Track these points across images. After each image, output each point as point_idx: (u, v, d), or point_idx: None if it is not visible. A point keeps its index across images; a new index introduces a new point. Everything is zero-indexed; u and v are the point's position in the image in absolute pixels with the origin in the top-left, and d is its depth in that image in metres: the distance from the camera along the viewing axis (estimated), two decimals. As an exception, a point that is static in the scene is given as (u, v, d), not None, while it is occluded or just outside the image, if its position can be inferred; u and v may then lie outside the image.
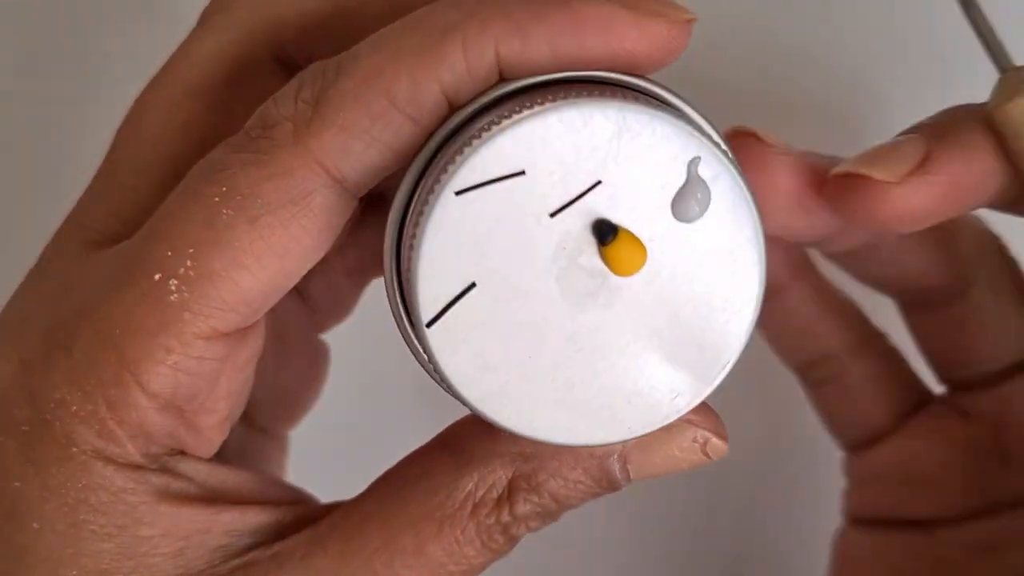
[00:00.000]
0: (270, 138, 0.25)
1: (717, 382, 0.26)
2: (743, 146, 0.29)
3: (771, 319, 0.36)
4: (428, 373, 0.26)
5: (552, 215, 0.24)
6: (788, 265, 0.35)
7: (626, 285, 0.25)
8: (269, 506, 0.28)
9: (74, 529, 0.26)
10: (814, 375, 0.37)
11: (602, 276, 0.25)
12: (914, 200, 0.27)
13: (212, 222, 0.25)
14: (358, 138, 0.25)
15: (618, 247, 0.24)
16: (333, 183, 0.25)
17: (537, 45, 0.24)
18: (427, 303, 0.24)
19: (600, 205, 0.24)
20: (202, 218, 0.25)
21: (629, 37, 0.25)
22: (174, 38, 0.29)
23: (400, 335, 0.26)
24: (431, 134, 0.25)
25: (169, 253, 0.25)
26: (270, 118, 0.25)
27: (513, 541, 0.28)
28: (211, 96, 0.28)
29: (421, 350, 0.25)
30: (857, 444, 0.37)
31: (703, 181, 0.24)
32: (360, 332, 0.37)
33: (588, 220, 0.24)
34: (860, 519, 0.38)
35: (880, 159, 0.27)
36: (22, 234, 0.30)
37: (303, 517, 0.28)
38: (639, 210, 0.24)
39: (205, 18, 0.29)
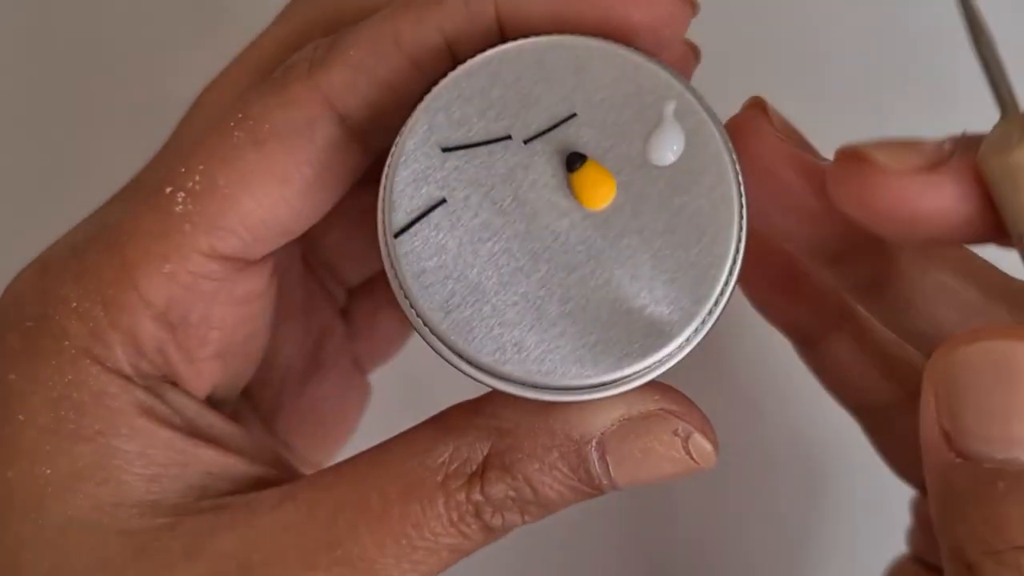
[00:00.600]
0: (287, 75, 0.27)
1: (687, 333, 0.25)
2: (749, 123, 0.28)
3: (812, 367, 0.34)
4: (395, 290, 0.26)
5: (526, 142, 0.25)
6: (823, 314, 0.34)
7: (598, 217, 0.25)
8: (254, 462, 0.28)
9: (54, 425, 0.27)
10: (867, 422, 0.34)
11: (572, 207, 0.25)
12: (912, 197, 0.25)
13: (223, 142, 0.27)
14: (363, 75, 0.26)
15: (585, 175, 0.25)
16: (337, 117, 0.27)
17: (535, 1, 0.26)
18: (398, 213, 0.25)
19: (573, 137, 0.25)
20: (216, 139, 0.27)
21: (630, 3, 0.26)
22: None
23: (380, 253, 0.27)
24: (433, 84, 0.27)
25: (183, 169, 0.27)
26: (291, 61, 0.28)
27: (488, 531, 0.27)
28: (265, 73, 0.31)
29: (390, 263, 0.26)
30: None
31: (678, 125, 0.25)
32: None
33: (560, 149, 0.25)
34: (922, 560, 0.34)
35: (892, 147, 0.26)
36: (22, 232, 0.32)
37: (285, 479, 0.28)
38: (612, 146, 0.25)
39: (278, 15, 0.32)
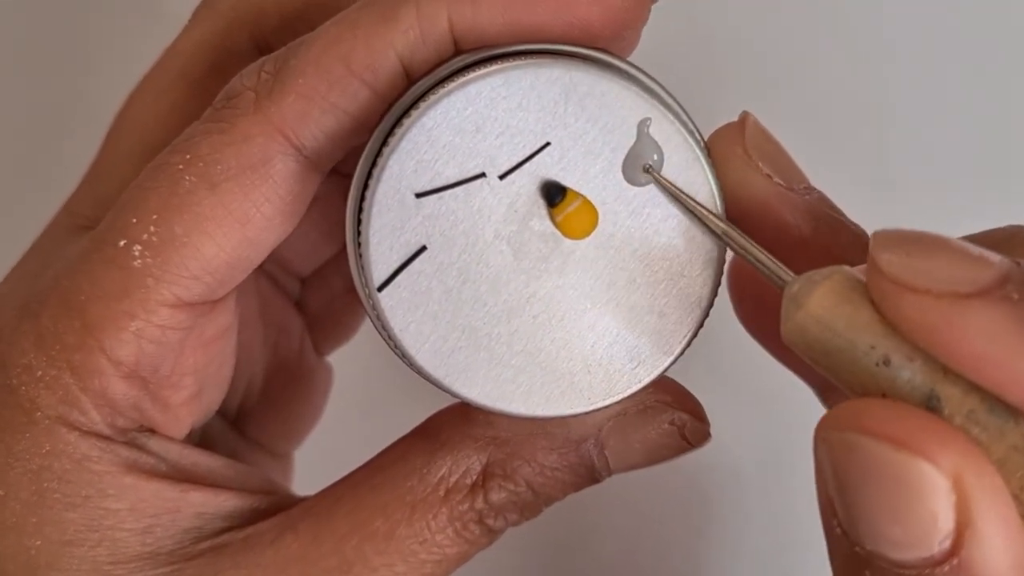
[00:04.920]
0: (233, 108, 0.26)
1: (678, 351, 0.25)
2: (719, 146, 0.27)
3: None
4: (385, 341, 0.26)
5: (501, 177, 0.24)
6: None
7: (579, 249, 0.25)
8: (244, 492, 0.28)
9: (38, 497, 0.26)
10: None
11: (554, 240, 0.25)
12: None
13: (175, 188, 0.25)
14: (316, 104, 0.25)
15: (566, 209, 0.24)
16: (293, 150, 0.25)
17: (489, 12, 0.25)
18: (378, 267, 0.24)
19: (550, 167, 0.24)
20: (166, 185, 0.25)
21: (581, 4, 0.25)
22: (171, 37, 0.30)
23: (363, 305, 0.26)
24: (391, 105, 0.25)
25: (134, 220, 0.25)
26: (234, 90, 0.26)
27: (491, 533, 0.27)
28: (195, 84, 0.29)
29: (376, 317, 0.25)
30: None
31: (654, 143, 0.24)
32: (361, 349, 0.37)
33: (538, 182, 0.24)
34: None
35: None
36: (21, 229, 0.31)
37: (279, 505, 0.28)
38: (590, 172, 0.24)
39: (195, 13, 0.30)
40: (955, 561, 0.20)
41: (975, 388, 0.21)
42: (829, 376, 0.22)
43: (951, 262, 0.21)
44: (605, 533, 0.43)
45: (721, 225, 0.24)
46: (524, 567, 0.40)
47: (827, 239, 0.26)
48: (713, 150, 0.25)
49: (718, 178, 0.25)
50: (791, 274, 0.23)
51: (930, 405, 0.21)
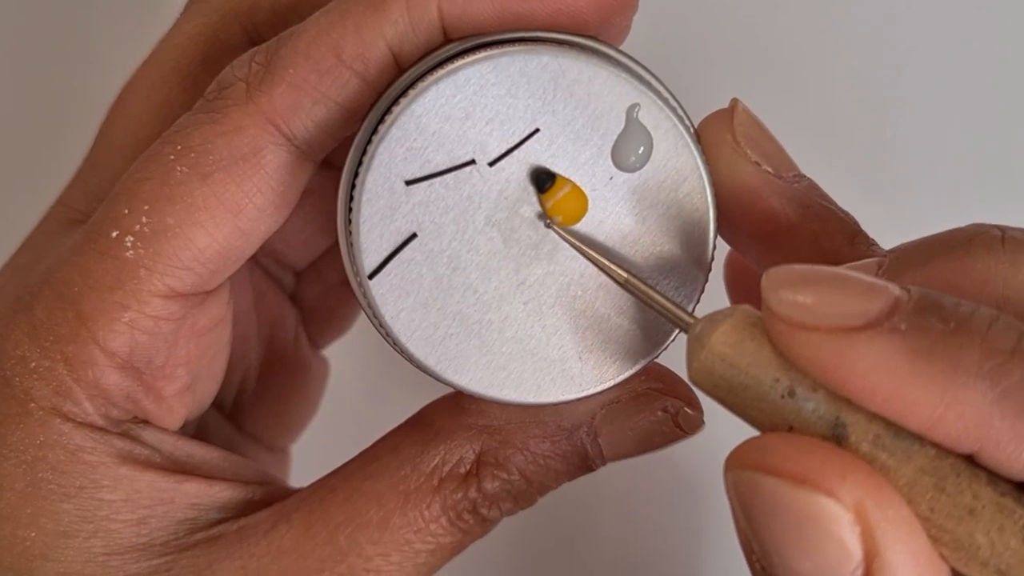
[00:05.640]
0: (224, 98, 0.26)
1: (669, 340, 0.25)
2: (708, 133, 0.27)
3: None
4: (376, 329, 0.26)
5: (491, 164, 0.24)
6: None
7: (570, 234, 0.25)
8: (239, 483, 0.28)
9: (33, 488, 0.26)
10: None
11: (545, 225, 0.25)
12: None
13: (167, 179, 0.25)
14: (307, 94, 0.25)
15: (556, 195, 0.24)
16: (284, 141, 0.25)
17: (479, 0, 0.25)
18: (369, 255, 0.24)
19: (539, 154, 0.24)
20: (158, 176, 0.25)
21: None
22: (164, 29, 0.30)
23: (355, 294, 0.26)
24: (381, 94, 0.26)
25: (126, 211, 0.26)
26: (225, 81, 0.26)
27: (485, 523, 0.27)
28: (187, 77, 0.29)
29: (367, 305, 0.25)
30: None
31: (644, 128, 0.24)
32: (357, 343, 0.37)
33: (527, 169, 0.24)
34: None
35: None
36: (15, 222, 0.31)
37: (273, 496, 0.28)
38: (579, 159, 0.24)
39: (187, 6, 0.30)
40: None
41: (879, 415, 0.21)
42: (738, 415, 0.23)
43: (841, 295, 0.21)
44: (601, 530, 0.43)
45: (623, 274, 0.25)
46: (521, 563, 0.40)
47: (815, 227, 0.26)
48: (702, 137, 0.25)
49: (708, 164, 0.25)
50: (694, 316, 0.23)
51: (836, 433, 0.21)
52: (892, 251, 0.25)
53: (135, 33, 0.33)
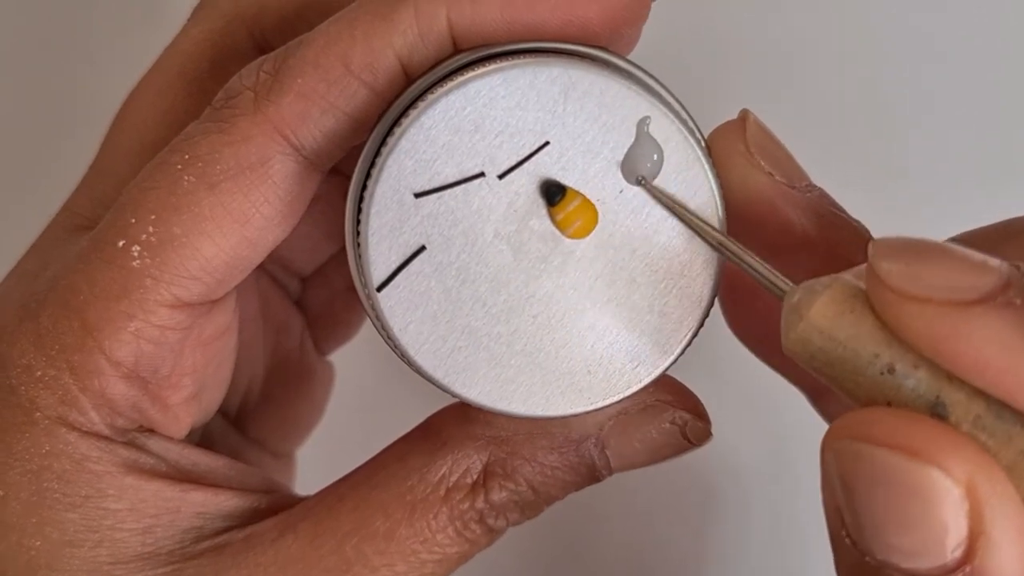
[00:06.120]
0: (232, 107, 0.25)
1: (678, 351, 0.25)
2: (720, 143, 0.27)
3: (825, 418, 0.33)
4: (384, 341, 0.26)
5: (501, 176, 0.24)
6: None
7: (579, 248, 0.24)
8: (244, 492, 0.28)
9: (38, 497, 0.26)
10: None
11: (553, 239, 0.24)
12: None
13: (174, 188, 0.25)
14: (315, 104, 0.25)
15: (566, 208, 0.24)
16: (292, 150, 0.25)
17: (488, 11, 0.25)
18: (377, 267, 0.24)
19: (549, 166, 0.24)
20: (165, 185, 0.25)
21: (580, 2, 0.25)
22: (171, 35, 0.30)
23: (363, 305, 0.26)
24: (389, 104, 0.25)
25: (133, 220, 0.25)
26: (233, 90, 0.26)
27: (491, 533, 0.27)
28: (194, 83, 0.29)
29: (376, 317, 0.25)
30: None
31: (654, 142, 0.24)
32: (363, 349, 0.37)
33: (537, 181, 0.24)
34: None
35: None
36: (21, 229, 0.31)
37: (279, 504, 0.28)
38: (589, 171, 0.24)
39: (194, 12, 0.30)
40: (968, 569, 0.20)
41: (980, 394, 0.21)
42: (832, 386, 0.22)
43: (951, 269, 0.21)
44: (606, 533, 0.43)
45: (717, 235, 0.24)
46: (525, 567, 0.40)
47: (830, 236, 0.26)
48: (713, 148, 0.25)
49: (718, 177, 0.25)
50: (790, 283, 0.23)
51: (936, 412, 0.21)
52: (959, 237, 0.24)
53: (141, 39, 0.33)
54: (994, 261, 0.21)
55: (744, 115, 0.26)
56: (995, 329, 0.20)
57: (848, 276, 0.22)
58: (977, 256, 0.21)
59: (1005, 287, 0.20)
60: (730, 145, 0.25)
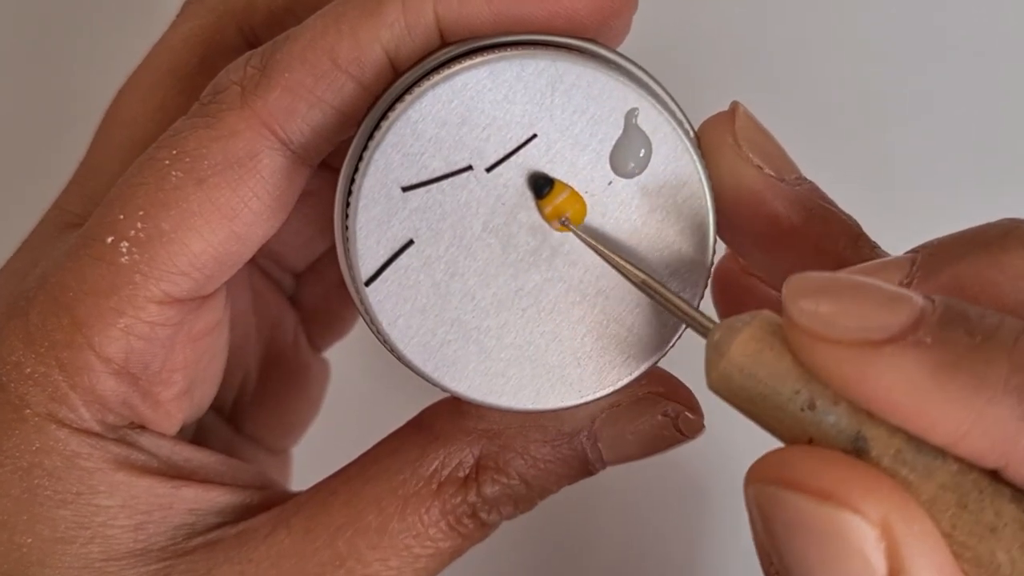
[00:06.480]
0: (219, 103, 0.25)
1: (669, 345, 0.25)
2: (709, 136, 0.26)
3: None
4: (374, 335, 0.26)
5: (489, 170, 0.24)
6: None
7: (568, 241, 0.24)
8: (237, 488, 0.28)
9: (29, 495, 0.26)
10: None
11: (542, 232, 0.24)
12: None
13: (162, 184, 0.25)
14: (303, 98, 0.25)
15: (554, 200, 0.24)
16: (280, 145, 0.25)
17: (475, 3, 0.24)
18: (366, 261, 0.24)
19: (537, 159, 0.24)
20: (153, 181, 0.25)
21: None
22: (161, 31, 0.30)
23: (352, 299, 0.26)
24: (377, 98, 0.25)
25: (121, 216, 0.25)
26: (221, 85, 0.26)
27: (484, 527, 0.27)
28: (184, 79, 0.29)
29: (365, 311, 0.25)
30: None
31: (642, 134, 0.24)
32: (359, 345, 0.37)
33: (525, 174, 0.24)
34: None
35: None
36: (12, 226, 0.31)
37: (272, 500, 0.28)
38: (577, 164, 0.24)
39: (183, 8, 0.30)
40: None
41: (900, 429, 0.20)
42: (758, 423, 0.22)
43: (862, 308, 0.21)
44: (601, 531, 0.43)
45: (640, 275, 0.24)
46: (521, 565, 0.40)
47: (818, 230, 0.26)
48: (702, 140, 0.25)
49: (707, 168, 0.25)
50: (713, 321, 0.23)
51: (857, 447, 0.21)
52: (924, 246, 0.24)
53: (131, 35, 0.33)
54: (907, 295, 0.21)
55: (734, 107, 0.26)
56: (904, 370, 0.20)
57: (769, 312, 0.22)
58: (890, 291, 0.21)
59: (916, 325, 0.20)
60: (719, 137, 0.25)
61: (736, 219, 0.25)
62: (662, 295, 0.24)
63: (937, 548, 0.20)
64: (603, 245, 0.24)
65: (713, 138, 0.25)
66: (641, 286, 0.24)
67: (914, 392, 0.20)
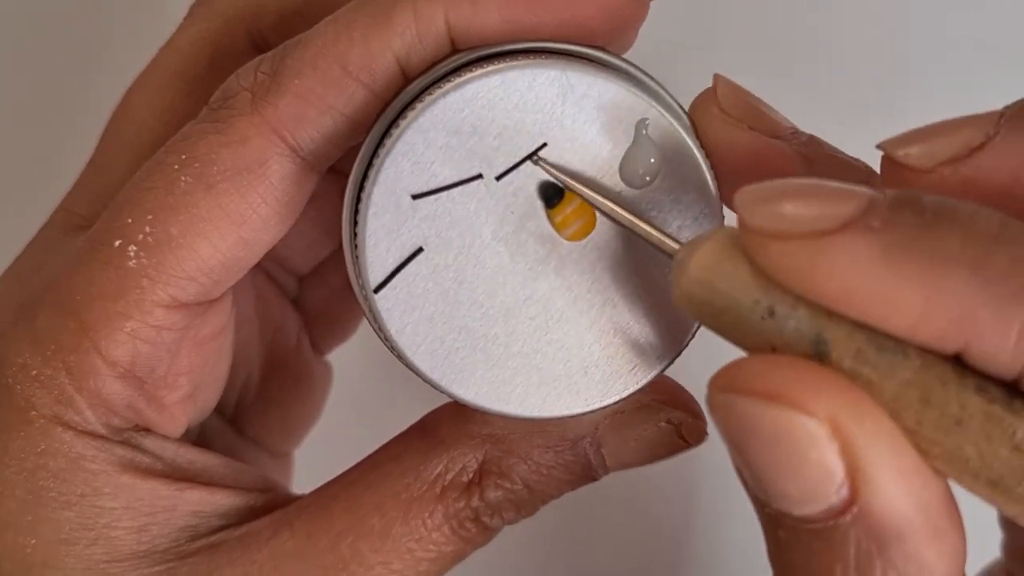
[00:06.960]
0: (229, 108, 0.25)
1: (676, 354, 0.25)
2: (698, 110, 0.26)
3: None
4: (382, 342, 0.26)
5: (499, 178, 0.24)
6: None
7: (577, 250, 0.24)
8: (240, 491, 0.28)
9: (33, 496, 0.26)
10: None
11: (551, 241, 0.24)
12: None
13: (171, 189, 0.25)
14: (313, 105, 0.25)
15: (564, 210, 0.24)
16: (289, 152, 0.25)
17: (487, 11, 0.25)
18: (375, 268, 0.24)
19: (547, 168, 0.24)
20: (162, 185, 0.25)
21: (579, 3, 0.24)
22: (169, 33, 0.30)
23: (360, 306, 0.26)
24: (387, 104, 0.25)
25: (130, 220, 0.25)
26: (230, 90, 0.26)
27: (487, 531, 0.27)
28: (192, 82, 0.29)
29: (373, 318, 0.25)
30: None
31: (652, 143, 0.24)
32: (361, 348, 0.37)
33: (535, 183, 0.24)
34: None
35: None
36: (19, 227, 0.31)
37: (275, 503, 0.28)
38: (587, 175, 0.24)
39: (191, 9, 0.30)
40: (855, 509, 0.20)
41: (861, 327, 0.20)
42: (725, 338, 0.22)
43: (810, 202, 0.20)
44: (601, 532, 0.43)
45: (606, 203, 0.24)
46: (521, 565, 0.40)
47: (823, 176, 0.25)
48: (692, 118, 0.25)
49: (717, 177, 0.25)
50: (680, 243, 0.23)
51: (819, 351, 0.20)
52: (1012, 105, 0.23)
53: (139, 37, 0.33)
54: (854, 188, 0.21)
55: (715, 79, 0.26)
56: (855, 254, 0.20)
57: (730, 227, 0.22)
58: (838, 186, 0.21)
59: (864, 212, 0.20)
60: (705, 111, 0.25)
61: (739, 186, 0.25)
62: (628, 221, 0.24)
63: (895, 445, 0.20)
64: (575, 177, 0.24)
65: (700, 115, 0.25)
66: (608, 214, 0.24)
67: (866, 276, 0.20)
